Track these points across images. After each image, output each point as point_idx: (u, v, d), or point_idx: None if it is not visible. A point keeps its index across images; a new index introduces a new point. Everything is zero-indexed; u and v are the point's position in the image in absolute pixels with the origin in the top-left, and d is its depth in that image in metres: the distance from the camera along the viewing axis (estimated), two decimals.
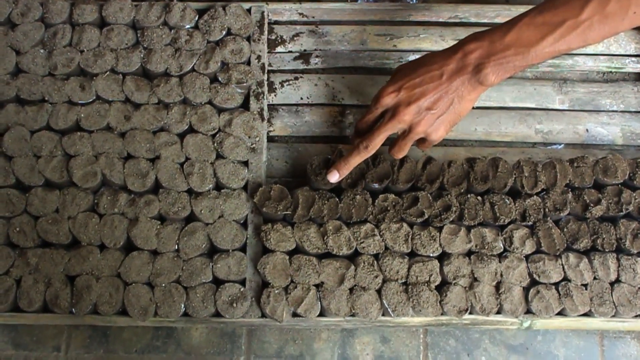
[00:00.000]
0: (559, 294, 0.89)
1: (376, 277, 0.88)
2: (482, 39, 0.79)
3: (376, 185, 0.91)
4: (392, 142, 0.87)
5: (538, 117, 1.02)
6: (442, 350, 0.95)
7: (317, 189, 0.92)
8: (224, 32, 0.98)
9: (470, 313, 0.89)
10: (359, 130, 0.90)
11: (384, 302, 0.87)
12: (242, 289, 0.88)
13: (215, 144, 0.93)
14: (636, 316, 0.90)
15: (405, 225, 0.90)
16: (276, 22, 1.05)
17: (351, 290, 0.88)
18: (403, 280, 0.89)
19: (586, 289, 0.90)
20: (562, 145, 1.02)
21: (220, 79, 0.96)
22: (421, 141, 0.87)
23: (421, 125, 0.82)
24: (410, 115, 0.82)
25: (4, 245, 0.89)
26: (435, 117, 0.82)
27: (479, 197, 0.92)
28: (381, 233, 0.90)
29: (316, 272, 0.88)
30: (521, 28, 0.76)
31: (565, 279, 0.90)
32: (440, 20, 1.05)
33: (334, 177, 0.88)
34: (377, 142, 0.85)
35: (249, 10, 1.01)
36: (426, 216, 0.90)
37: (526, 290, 0.89)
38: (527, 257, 0.91)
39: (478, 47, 0.78)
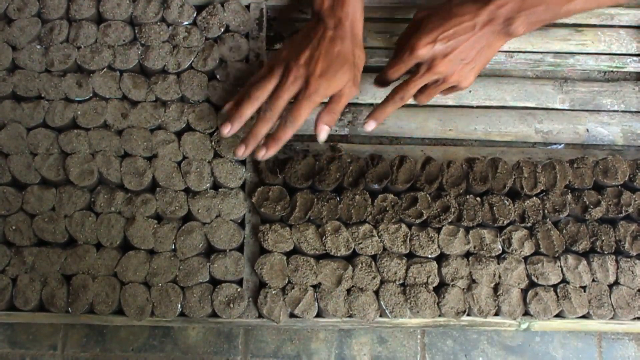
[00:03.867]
0: (558, 296, 0.89)
1: (374, 278, 0.88)
2: None
3: (375, 186, 0.91)
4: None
5: (538, 116, 1.01)
6: (439, 351, 0.95)
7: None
8: (222, 29, 0.97)
9: (468, 315, 0.88)
10: (386, 80, 0.90)
11: (382, 303, 0.87)
12: (239, 289, 0.87)
13: (213, 143, 0.92)
14: (634, 318, 0.90)
15: (403, 226, 0.90)
16: (275, 19, 1.04)
17: (349, 291, 0.88)
18: (401, 282, 0.88)
19: (585, 291, 0.89)
20: (562, 145, 1.01)
21: (218, 76, 0.95)
22: (449, 89, 0.89)
23: (455, 75, 0.85)
24: (445, 67, 0.84)
25: (0, 244, 0.88)
26: (468, 67, 0.85)
27: (478, 198, 0.92)
28: (379, 234, 0.89)
29: (314, 272, 0.87)
30: None
31: (564, 280, 0.90)
32: None
33: (370, 126, 0.88)
34: (412, 93, 0.87)
35: (247, 7, 1.00)
36: (425, 217, 0.89)
37: (524, 292, 0.89)
38: (525, 258, 0.90)
39: (510, 1, 0.80)
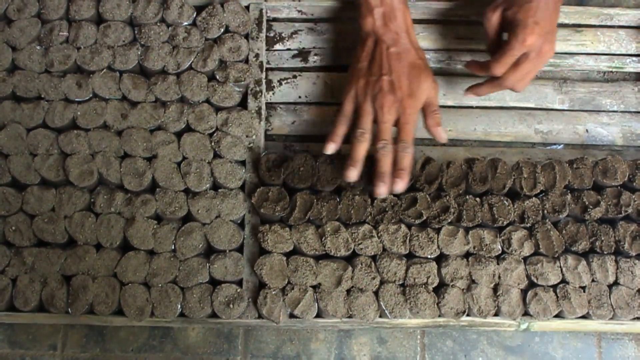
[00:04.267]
0: (557, 296, 0.89)
1: (373, 278, 0.88)
2: None
3: None
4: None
5: (538, 117, 1.01)
6: (439, 351, 0.95)
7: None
8: (222, 30, 0.97)
9: (468, 315, 0.89)
10: (491, 75, 0.91)
11: (381, 303, 0.87)
12: (239, 290, 0.87)
13: (213, 143, 0.92)
14: (634, 318, 0.90)
15: (403, 226, 0.90)
16: (275, 20, 1.04)
17: (348, 291, 0.88)
18: (400, 282, 0.88)
19: (584, 292, 0.89)
20: (562, 146, 1.01)
21: (218, 77, 0.95)
22: None
23: (551, 51, 0.88)
24: (549, 46, 0.87)
25: (0, 244, 0.89)
26: (554, 38, 0.88)
27: (478, 199, 0.92)
28: (379, 234, 0.89)
29: (313, 273, 0.87)
30: None
31: (564, 281, 0.90)
32: (441, 18, 1.04)
33: (470, 96, 0.95)
34: (519, 77, 0.89)
35: (247, 8, 1.00)
36: (424, 217, 0.89)
37: (524, 292, 0.89)
38: (525, 259, 0.90)
39: None
